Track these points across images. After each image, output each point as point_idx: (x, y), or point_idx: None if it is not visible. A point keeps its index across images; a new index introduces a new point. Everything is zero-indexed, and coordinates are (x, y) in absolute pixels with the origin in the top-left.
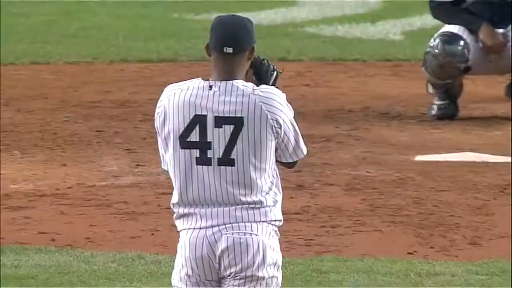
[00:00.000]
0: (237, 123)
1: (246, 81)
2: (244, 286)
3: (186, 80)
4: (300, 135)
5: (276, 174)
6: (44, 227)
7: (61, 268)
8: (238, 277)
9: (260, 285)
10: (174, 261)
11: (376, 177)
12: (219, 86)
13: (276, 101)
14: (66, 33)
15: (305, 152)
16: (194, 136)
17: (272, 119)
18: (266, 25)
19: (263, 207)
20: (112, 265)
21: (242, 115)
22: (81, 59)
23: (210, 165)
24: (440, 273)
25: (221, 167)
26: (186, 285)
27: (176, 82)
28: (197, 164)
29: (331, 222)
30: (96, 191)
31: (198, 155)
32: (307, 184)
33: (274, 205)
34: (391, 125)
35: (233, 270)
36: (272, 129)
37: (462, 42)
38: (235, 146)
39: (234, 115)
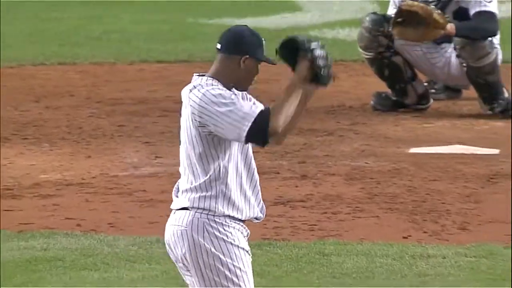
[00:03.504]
0: (182, 113)
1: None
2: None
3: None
4: (235, 112)
5: (219, 168)
6: (70, 213)
7: (86, 251)
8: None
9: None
10: None
11: (373, 168)
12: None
13: (195, 95)
14: (91, 36)
15: (250, 117)
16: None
17: (193, 113)
18: (273, 29)
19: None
20: (133, 248)
21: (181, 107)
22: (104, 60)
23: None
24: (432, 255)
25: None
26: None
27: (190, 82)
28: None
29: (333, 209)
30: (118, 180)
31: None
32: (310, 174)
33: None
34: (387, 120)
35: None
36: (192, 121)
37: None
38: (181, 134)
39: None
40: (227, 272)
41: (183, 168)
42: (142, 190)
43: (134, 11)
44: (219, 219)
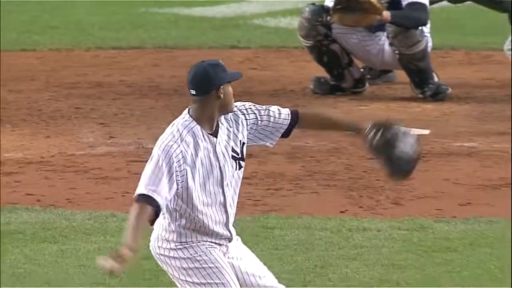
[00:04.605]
0: None
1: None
2: None
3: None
4: (149, 172)
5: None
6: (31, 189)
7: (45, 225)
8: None
9: None
10: None
11: (313, 147)
12: None
13: (162, 136)
14: (50, 25)
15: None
16: None
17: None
18: (220, 18)
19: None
20: (89, 222)
21: None
22: (62, 46)
23: None
24: (367, 228)
25: None
26: None
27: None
28: None
29: (275, 185)
30: (75, 159)
31: None
32: (255, 153)
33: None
34: (326, 103)
35: None
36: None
37: (327, 12)
38: None
39: None
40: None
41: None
42: (97, 168)
43: (89, 4)
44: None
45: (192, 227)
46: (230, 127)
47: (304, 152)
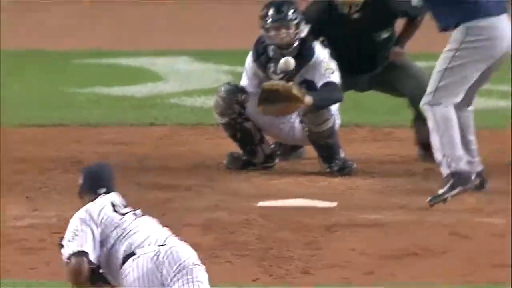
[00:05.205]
0: None
1: None
2: None
3: None
4: (73, 231)
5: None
6: None
7: None
8: None
9: None
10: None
11: (227, 219)
12: None
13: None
14: None
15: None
16: None
17: None
18: (138, 97)
19: None
20: None
21: None
22: None
23: None
24: None
25: None
26: None
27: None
28: None
29: None
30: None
31: None
32: (170, 225)
33: None
34: (239, 178)
35: None
36: None
37: (242, 92)
38: None
39: None
40: None
41: None
42: (23, 239)
43: (13, 81)
44: None
45: None
46: None
47: (218, 224)
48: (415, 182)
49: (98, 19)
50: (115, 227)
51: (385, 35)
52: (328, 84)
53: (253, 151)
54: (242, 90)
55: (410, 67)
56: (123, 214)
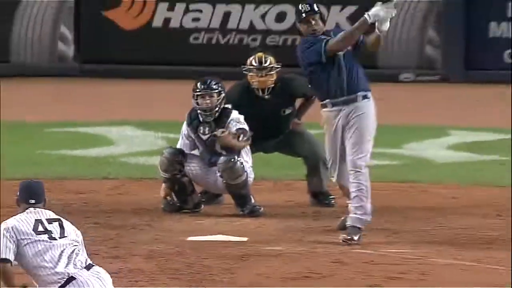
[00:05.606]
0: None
1: None
2: None
3: None
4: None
5: None
6: None
7: None
8: None
9: None
10: None
11: (164, 250)
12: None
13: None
14: None
15: None
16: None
17: None
18: (95, 157)
19: None
20: None
21: None
22: None
23: None
24: None
25: None
26: None
27: None
28: None
29: (137, 279)
30: None
31: None
32: (120, 255)
33: None
34: (173, 218)
35: None
36: None
37: (182, 154)
38: None
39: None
40: None
41: None
42: None
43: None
44: None
45: None
46: None
47: (157, 254)
48: (307, 222)
49: (66, 97)
50: (28, 243)
51: (288, 111)
52: (243, 127)
53: (186, 200)
54: (182, 152)
55: (305, 134)
56: (40, 233)
